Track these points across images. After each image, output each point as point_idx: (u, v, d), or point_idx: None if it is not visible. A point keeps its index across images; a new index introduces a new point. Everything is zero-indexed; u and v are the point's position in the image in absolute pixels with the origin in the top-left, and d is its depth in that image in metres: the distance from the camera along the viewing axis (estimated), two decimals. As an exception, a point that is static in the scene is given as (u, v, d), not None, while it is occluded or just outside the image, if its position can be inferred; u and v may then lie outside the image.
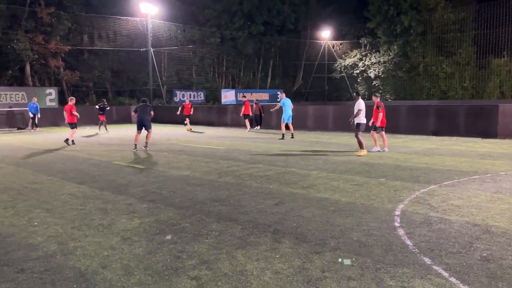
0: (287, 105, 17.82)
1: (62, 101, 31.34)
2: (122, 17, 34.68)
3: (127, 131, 22.48)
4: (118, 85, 39.21)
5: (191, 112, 24.47)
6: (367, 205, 6.60)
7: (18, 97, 27.34)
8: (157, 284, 3.91)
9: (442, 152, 12.87)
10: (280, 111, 19.01)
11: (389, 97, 44.31)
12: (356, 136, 12.63)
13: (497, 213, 6.07)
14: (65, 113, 16.72)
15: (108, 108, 24.02)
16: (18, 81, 33.19)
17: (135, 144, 14.47)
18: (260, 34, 46.91)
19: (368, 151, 12.68)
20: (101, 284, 3.93)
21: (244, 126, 23.94)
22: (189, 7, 41.89)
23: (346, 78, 48.93)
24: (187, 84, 42.42)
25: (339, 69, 50.03)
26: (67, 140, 16.44)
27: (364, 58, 46.96)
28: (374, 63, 45.51)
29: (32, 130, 24.48)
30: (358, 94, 13.67)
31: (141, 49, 34.41)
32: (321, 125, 22.78)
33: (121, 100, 38.31)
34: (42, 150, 14.94)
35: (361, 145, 12.57)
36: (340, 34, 50.73)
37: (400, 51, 42.77)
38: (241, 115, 24.12)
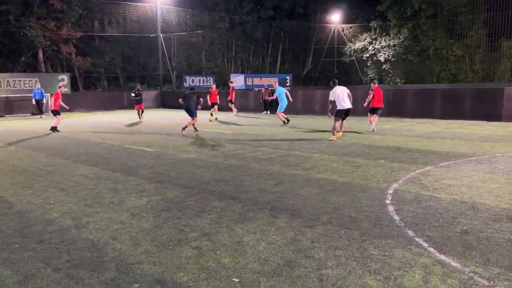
0: (282, 94, 17.26)
1: (75, 87, 31.92)
2: (131, 3, 34.98)
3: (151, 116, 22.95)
4: (128, 70, 39.73)
5: (217, 100, 21.61)
6: (363, 185, 6.95)
7: (32, 83, 27.92)
8: (161, 253, 4.33)
9: (445, 135, 13.10)
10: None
11: (399, 80, 44.12)
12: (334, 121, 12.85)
13: (486, 191, 6.38)
14: (52, 99, 16.84)
15: (142, 93, 21.46)
16: (31, 68, 33.86)
17: (194, 128, 14.92)
18: (270, 19, 46.85)
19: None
20: (111, 253, 4.36)
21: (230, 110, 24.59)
22: (198, -9, 41.98)
23: (356, 61, 48.75)
24: (197, 70, 42.74)
25: (348, 53, 49.81)
26: (53, 128, 16.23)
27: (374, 42, 46.68)
28: (384, 47, 45.23)
29: (39, 117, 24.68)
30: (334, 83, 13.57)
31: (151, 35, 34.77)
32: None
33: (132, 85, 38.79)
34: (55, 135, 15.47)
35: (333, 131, 12.84)
36: (350, 17, 50.37)
37: (410, 34, 42.42)
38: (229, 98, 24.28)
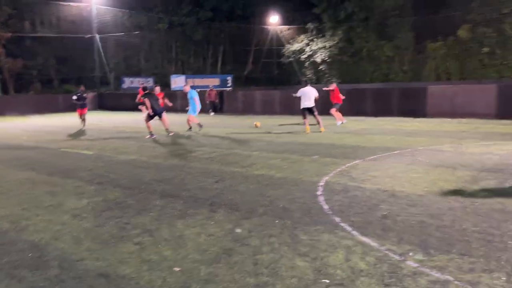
0: (193, 98, 15.77)
1: (5, 89, 30.33)
2: (64, 3, 33.76)
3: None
4: (63, 72, 38.27)
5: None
6: (297, 179, 7.43)
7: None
8: (104, 250, 4.49)
9: (374, 131, 14.03)
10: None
11: (335, 80, 45.76)
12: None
13: (406, 181, 7.06)
14: None
15: (86, 96, 18.93)
16: (-45, 70, 31.79)
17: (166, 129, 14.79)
18: (209, 20, 46.96)
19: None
20: (54, 252, 4.45)
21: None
22: (135, -9, 41.26)
23: (294, 63, 50.03)
24: (135, 71, 42.00)
25: (287, 54, 51.02)
26: None
27: (310, 43, 48.16)
28: (320, 48, 46.78)
29: None
30: (306, 83, 16.25)
31: (86, 36, 33.75)
32: (269, 110, 23.61)
33: (67, 88, 37.47)
34: (-14, 140, 14.79)
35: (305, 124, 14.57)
36: (288, 19, 51.60)
37: (345, 36, 44.23)
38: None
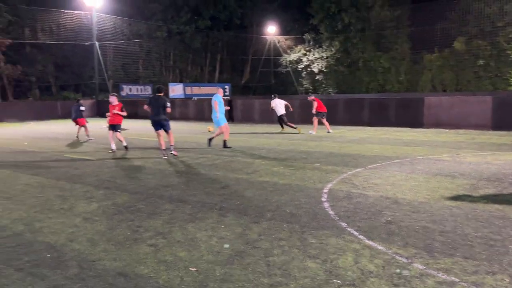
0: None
1: (3, 96, 30.41)
2: (66, 11, 34.00)
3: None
4: (62, 79, 38.41)
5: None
6: (301, 185, 7.61)
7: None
8: (120, 251, 4.64)
9: (373, 140, 14.27)
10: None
11: (331, 90, 46.27)
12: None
13: (407, 188, 7.26)
14: None
15: (83, 108, 16.89)
16: (-46, 75, 31.85)
17: (161, 150, 11.47)
18: (207, 29, 47.37)
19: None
20: (71, 253, 4.60)
21: None
22: (134, 1, 41.61)
23: (291, 72, 50.45)
24: (134, 78, 42.20)
25: (284, 64, 51.46)
26: None
27: (308, 54, 48.64)
28: (318, 58, 47.27)
29: None
30: (274, 96, 18.94)
31: (86, 43, 33.95)
32: (267, 118, 23.82)
33: (66, 94, 37.58)
34: (-12, 145, 14.88)
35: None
36: (285, 29, 52.14)
37: (342, 47, 44.75)
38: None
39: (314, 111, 17.20)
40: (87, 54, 35.78)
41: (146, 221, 5.71)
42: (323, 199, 6.64)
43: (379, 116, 19.63)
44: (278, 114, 18.20)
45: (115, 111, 12.90)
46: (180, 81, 46.78)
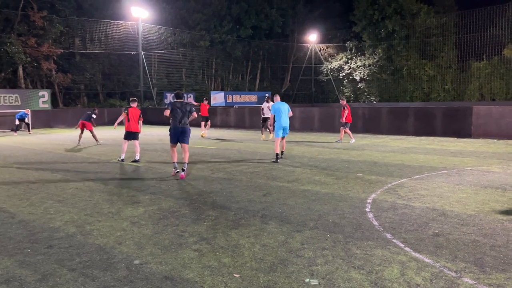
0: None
1: (54, 103, 31.91)
2: (113, 21, 35.40)
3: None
4: (109, 87, 39.88)
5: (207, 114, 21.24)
6: (344, 195, 7.52)
7: (12, 99, 27.85)
8: (165, 255, 4.76)
9: (418, 150, 13.90)
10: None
11: (374, 99, 45.53)
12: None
13: (455, 200, 7.03)
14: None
15: (95, 116, 18.05)
16: (11, 84, 33.70)
17: (174, 163, 10.03)
18: (249, 38, 47.89)
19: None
20: (120, 255, 4.76)
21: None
22: (179, 11, 42.75)
23: (332, 80, 50.08)
24: (177, 87, 43.19)
25: (325, 72, 51.18)
26: None
27: (349, 61, 48.18)
28: (360, 66, 46.72)
29: (28, 133, 24.75)
30: (268, 98, 19.13)
31: (132, 52, 35.13)
32: (307, 126, 23.74)
33: (112, 102, 38.96)
34: (40, 150, 15.62)
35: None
36: (327, 37, 51.93)
37: (385, 54, 44.04)
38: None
39: (343, 119, 16.41)
40: (132, 63, 37.03)
41: (190, 226, 5.82)
42: (367, 209, 6.54)
43: (424, 126, 19.12)
44: (264, 117, 18.70)
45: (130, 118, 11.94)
46: (222, 89, 47.49)
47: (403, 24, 42.45)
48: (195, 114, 9.82)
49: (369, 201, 7.06)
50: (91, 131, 17.50)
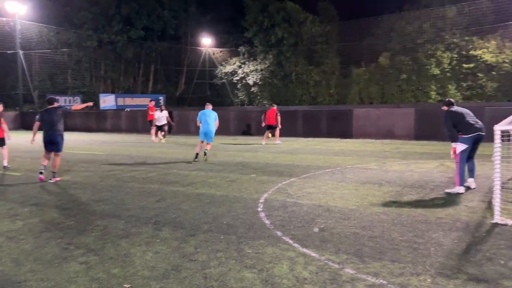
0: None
1: None
2: (-16, 16, 31.91)
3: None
4: (-19, 89, 35.81)
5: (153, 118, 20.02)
6: (238, 196, 7.67)
7: None
8: (48, 270, 4.41)
9: (305, 151, 14.72)
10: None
11: (266, 102, 47.09)
12: None
13: (338, 196, 7.57)
14: None
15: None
16: None
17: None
18: (141, 39, 46.49)
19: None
20: (-7, 275, 4.30)
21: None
22: (62, 8, 39.92)
23: (226, 84, 50.77)
24: (62, 89, 40.34)
25: (220, 76, 51.70)
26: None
27: (243, 66, 49.26)
28: (252, 71, 48.01)
29: None
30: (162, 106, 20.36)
31: (8, 51, 31.97)
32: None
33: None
34: None
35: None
36: (220, 41, 52.51)
37: (275, 60, 45.83)
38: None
39: (280, 124, 17.94)
40: (9, 63, 33.69)
41: (76, 238, 5.47)
42: (259, 209, 6.74)
43: (312, 128, 20.30)
44: (159, 125, 19.60)
45: None
46: (112, 92, 45.40)
47: (291, 32, 44.57)
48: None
49: (261, 201, 7.28)
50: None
